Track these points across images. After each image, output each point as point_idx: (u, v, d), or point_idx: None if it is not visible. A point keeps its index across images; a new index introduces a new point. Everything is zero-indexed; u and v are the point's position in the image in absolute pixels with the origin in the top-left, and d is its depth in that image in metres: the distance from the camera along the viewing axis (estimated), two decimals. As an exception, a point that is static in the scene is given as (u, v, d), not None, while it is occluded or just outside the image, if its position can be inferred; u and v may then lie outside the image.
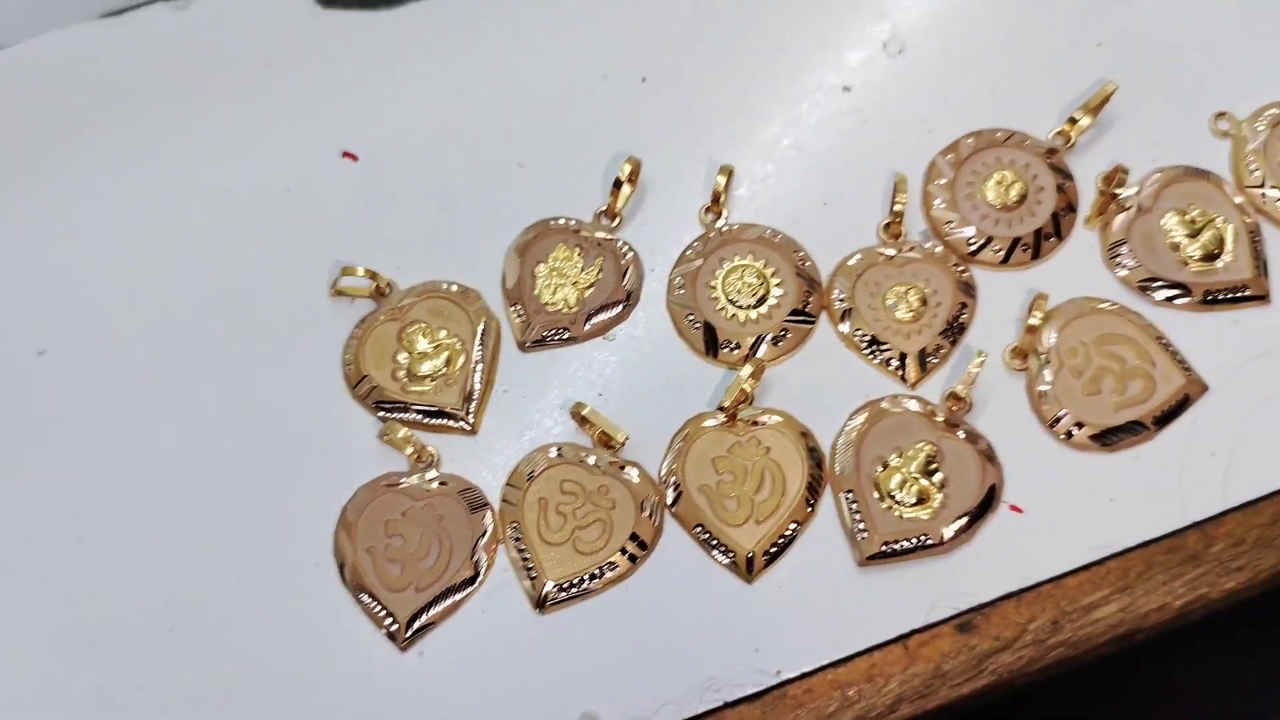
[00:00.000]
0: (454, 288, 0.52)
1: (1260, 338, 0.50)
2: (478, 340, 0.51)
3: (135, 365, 0.52)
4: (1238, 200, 0.51)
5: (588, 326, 0.51)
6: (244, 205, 0.54)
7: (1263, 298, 0.50)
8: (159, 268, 0.53)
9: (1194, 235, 0.51)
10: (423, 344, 0.51)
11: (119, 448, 0.50)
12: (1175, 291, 0.50)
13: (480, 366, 0.51)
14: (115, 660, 0.47)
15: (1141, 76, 0.54)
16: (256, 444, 0.50)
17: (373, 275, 0.52)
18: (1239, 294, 0.50)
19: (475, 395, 0.51)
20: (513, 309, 0.52)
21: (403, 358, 0.51)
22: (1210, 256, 0.51)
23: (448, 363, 0.51)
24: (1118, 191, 0.51)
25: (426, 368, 0.51)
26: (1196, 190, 0.52)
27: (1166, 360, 0.49)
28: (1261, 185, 0.52)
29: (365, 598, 0.48)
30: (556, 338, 0.51)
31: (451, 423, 0.50)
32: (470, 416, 0.50)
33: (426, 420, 0.50)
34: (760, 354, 0.50)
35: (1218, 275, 0.50)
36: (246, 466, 0.50)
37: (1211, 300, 0.50)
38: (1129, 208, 0.51)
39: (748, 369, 0.49)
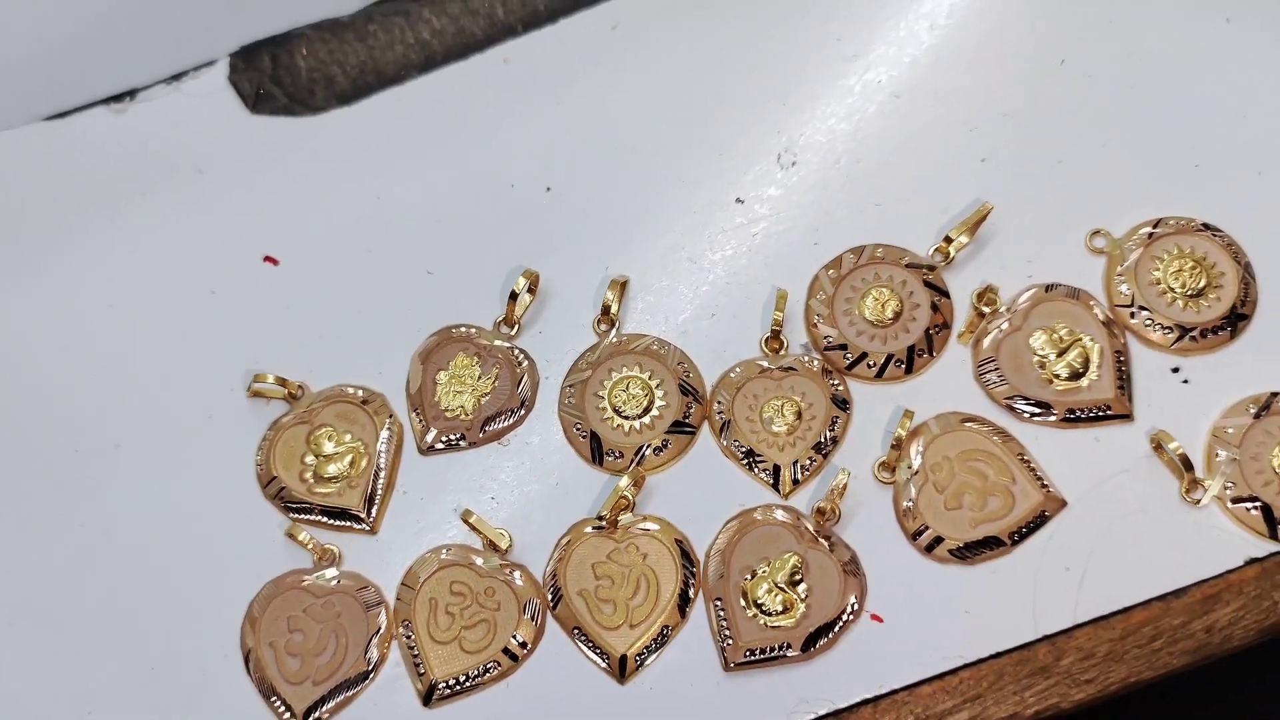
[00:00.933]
0: (359, 393, 0.55)
1: (1120, 455, 0.52)
2: (380, 444, 0.55)
3: (63, 458, 0.55)
4: (1105, 319, 0.53)
5: (483, 433, 0.55)
6: (172, 306, 0.57)
7: (1125, 416, 0.52)
8: (87, 362, 0.57)
9: (1061, 354, 0.53)
10: (329, 447, 0.55)
11: (43, 536, 0.54)
12: (1039, 409, 0.52)
13: (382, 471, 0.54)
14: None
15: (1022, 192, 0.56)
16: (174, 535, 0.54)
17: (283, 381, 0.55)
18: (1101, 413, 0.52)
19: (376, 497, 0.54)
20: (414, 414, 0.55)
21: (310, 460, 0.54)
22: (1075, 375, 0.53)
23: (351, 465, 0.54)
24: (986, 310, 0.53)
25: (332, 469, 0.54)
26: (1065, 309, 0.54)
27: (1026, 477, 0.51)
28: (1131, 304, 0.54)
29: (267, 691, 0.51)
30: (455, 443, 0.55)
31: (354, 524, 0.54)
32: (370, 519, 0.54)
33: (330, 521, 0.54)
34: (642, 462, 0.53)
35: (1081, 394, 0.52)
36: (164, 557, 0.54)
37: (1074, 418, 0.52)
38: (1000, 326, 0.54)
39: (626, 479, 0.52)
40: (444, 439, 0.54)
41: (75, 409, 0.56)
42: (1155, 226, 0.55)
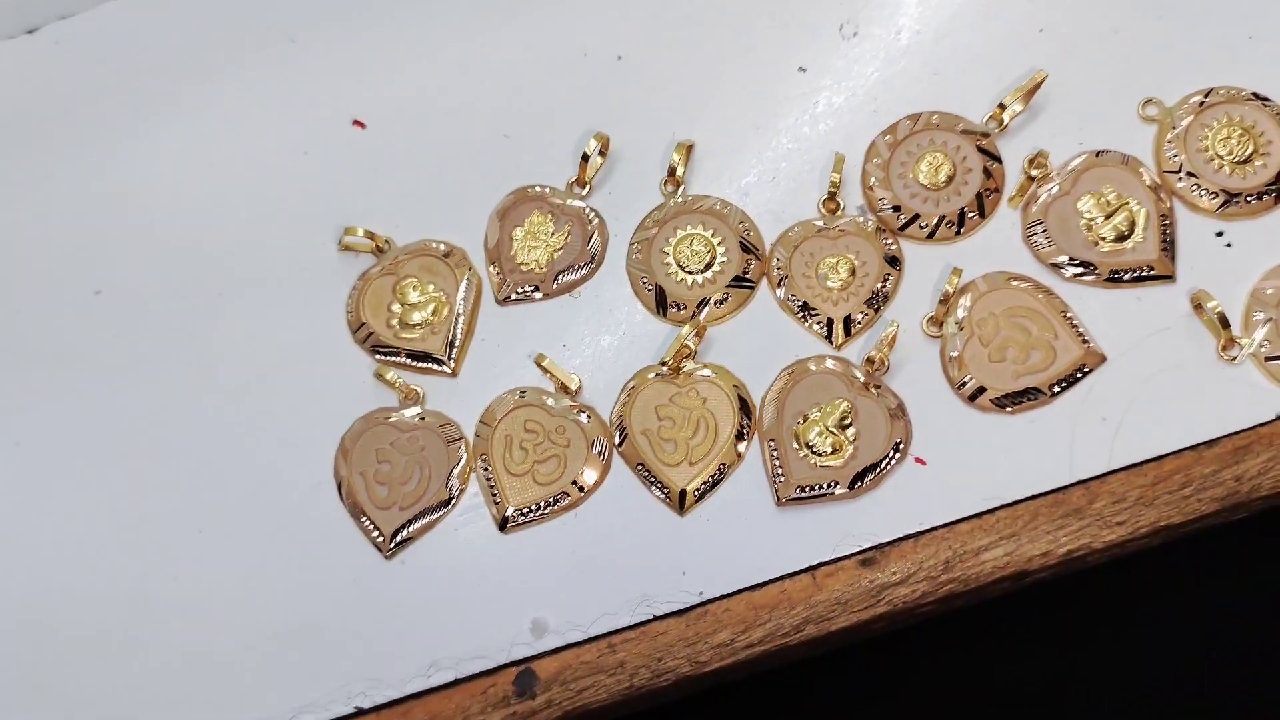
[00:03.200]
0: (442, 247, 0.60)
1: (1161, 314, 0.54)
2: (460, 294, 0.59)
3: (176, 306, 0.60)
4: (1152, 184, 0.55)
5: (556, 285, 0.58)
6: (268, 166, 0.62)
7: (1168, 277, 0.55)
8: (192, 217, 0.61)
9: (1108, 217, 0.55)
10: (414, 296, 0.59)
11: (162, 379, 0.59)
12: (1083, 269, 0.55)
13: (462, 318, 0.58)
14: (156, 554, 0.57)
15: (1078, 61, 0.58)
16: (274, 375, 0.59)
17: (371, 235, 0.59)
18: (1144, 273, 0.55)
19: (456, 343, 0.58)
20: (492, 267, 0.59)
21: (396, 308, 0.59)
22: (1121, 237, 0.55)
23: (434, 313, 0.59)
24: (1036, 174, 0.56)
25: (416, 317, 0.59)
26: (1114, 175, 0.56)
27: (1068, 333, 0.54)
28: (1179, 171, 0.55)
29: (358, 513, 0.56)
30: (529, 294, 0.59)
31: (436, 366, 0.58)
32: (451, 362, 0.58)
33: (414, 364, 0.58)
34: (703, 315, 0.57)
35: (1125, 255, 0.55)
36: (265, 395, 0.59)
37: (1117, 278, 0.55)
38: (1049, 189, 0.56)
39: (689, 328, 0.55)
40: (519, 290, 0.58)
41: (181, 261, 0.61)
42: (1206, 95, 0.56)
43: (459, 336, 0.58)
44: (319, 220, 0.61)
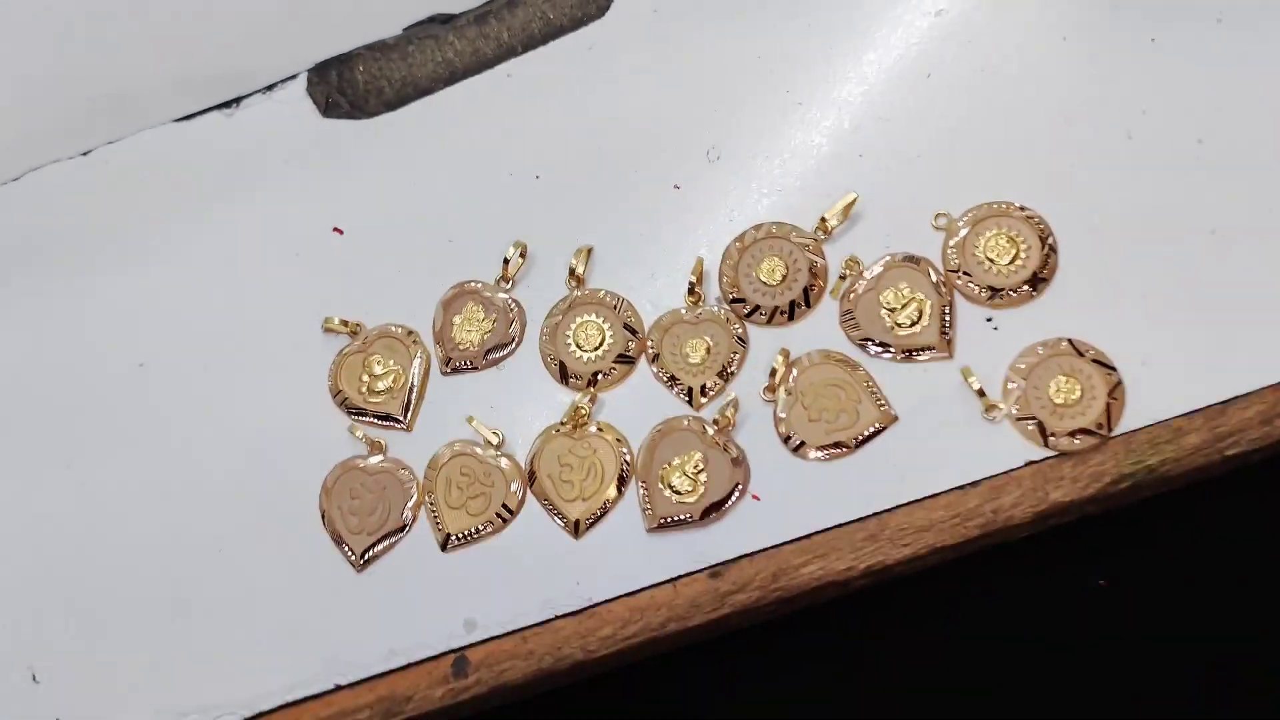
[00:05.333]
0: (401, 329, 0.77)
1: (939, 384, 0.70)
2: (414, 368, 0.76)
3: (203, 378, 0.78)
4: (937, 281, 0.71)
5: (486, 360, 0.76)
6: (268, 265, 0.80)
7: (946, 355, 0.70)
8: (216, 310, 0.79)
9: (903, 307, 0.71)
10: (379, 369, 0.76)
11: (191, 437, 0.77)
12: (883, 348, 0.71)
13: (415, 387, 0.76)
14: (184, 565, 0.75)
15: (889, 180, 0.74)
16: (272, 433, 0.76)
17: (345, 322, 0.77)
18: (929, 352, 0.70)
19: (411, 406, 0.76)
20: (437, 346, 0.76)
21: (365, 379, 0.76)
22: (912, 323, 0.71)
23: (394, 382, 0.76)
24: (849, 274, 0.72)
25: (381, 386, 0.76)
26: (908, 274, 0.71)
27: (869, 398, 0.70)
28: (958, 269, 0.71)
29: (336, 538, 0.74)
30: (466, 368, 0.76)
31: (395, 424, 0.76)
32: (407, 420, 0.75)
33: (379, 422, 0.76)
34: (596, 384, 0.74)
35: (915, 337, 0.71)
36: (264, 448, 0.76)
37: (908, 355, 0.71)
38: (859, 286, 0.72)
39: (583, 395, 0.72)
40: (457, 364, 0.76)
41: (205, 340, 0.79)
42: (981, 208, 0.72)
43: (413, 401, 0.76)
44: (307, 308, 0.79)
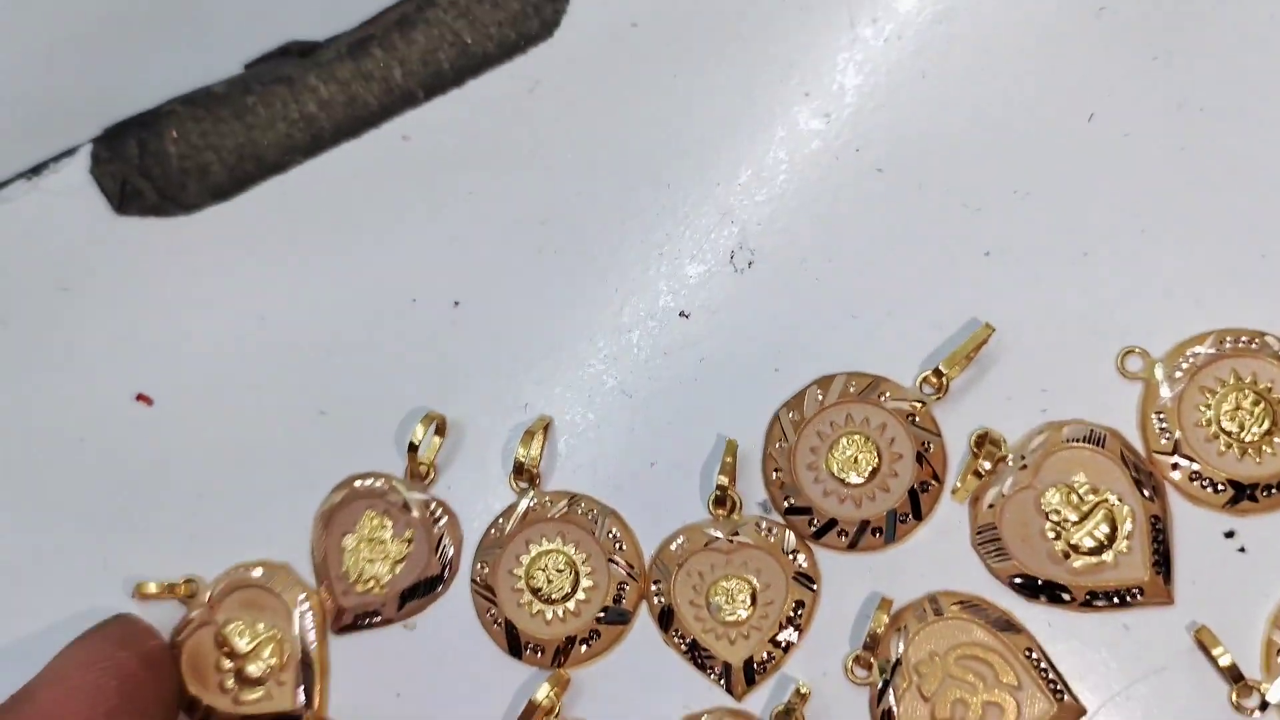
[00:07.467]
0: (259, 571, 0.47)
1: (1155, 651, 0.41)
2: (297, 624, 0.47)
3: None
4: (1138, 472, 0.42)
5: (401, 609, 0.46)
6: (32, 464, 0.50)
7: (1163, 600, 0.41)
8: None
9: (1081, 519, 0.42)
10: (242, 644, 0.47)
11: None
12: (1051, 591, 0.42)
13: (313, 647, 0.46)
14: None
15: (1038, 296, 0.45)
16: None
17: (169, 587, 0.47)
18: (1132, 596, 0.41)
19: (314, 685, 0.46)
20: (322, 588, 0.47)
21: (227, 664, 0.47)
22: (1099, 547, 0.42)
23: (273, 654, 0.47)
24: (982, 461, 0.42)
25: (255, 669, 0.47)
26: (1087, 459, 0.42)
27: (1035, 679, 0.41)
28: (1173, 451, 0.42)
29: None
30: (369, 623, 0.46)
31: (300, 721, 0.46)
32: (313, 712, 0.46)
33: (275, 730, 0.46)
34: (568, 658, 0.44)
35: (1106, 571, 0.42)
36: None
37: (1096, 603, 0.42)
38: (1005, 482, 0.43)
39: (545, 686, 0.43)
40: (357, 618, 0.46)
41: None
42: (1209, 344, 0.43)
43: (314, 679, 0.46)
44: (100, 549, 0.48)
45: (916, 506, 0.43)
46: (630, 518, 0.46)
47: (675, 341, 0.47)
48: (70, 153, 0.53)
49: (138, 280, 0.51)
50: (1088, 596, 0.42)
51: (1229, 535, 0.42)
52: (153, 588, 0.47)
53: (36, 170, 0.54)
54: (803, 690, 0.42)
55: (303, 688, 0.46)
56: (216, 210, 0.52)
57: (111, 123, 0.54)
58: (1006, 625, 0.42)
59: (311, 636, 0.47)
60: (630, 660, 0.45)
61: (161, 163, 0.53)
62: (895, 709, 0.42)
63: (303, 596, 0.47)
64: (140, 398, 0.50)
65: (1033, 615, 0.42)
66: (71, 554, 0.49)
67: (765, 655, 0.43)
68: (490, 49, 0.51)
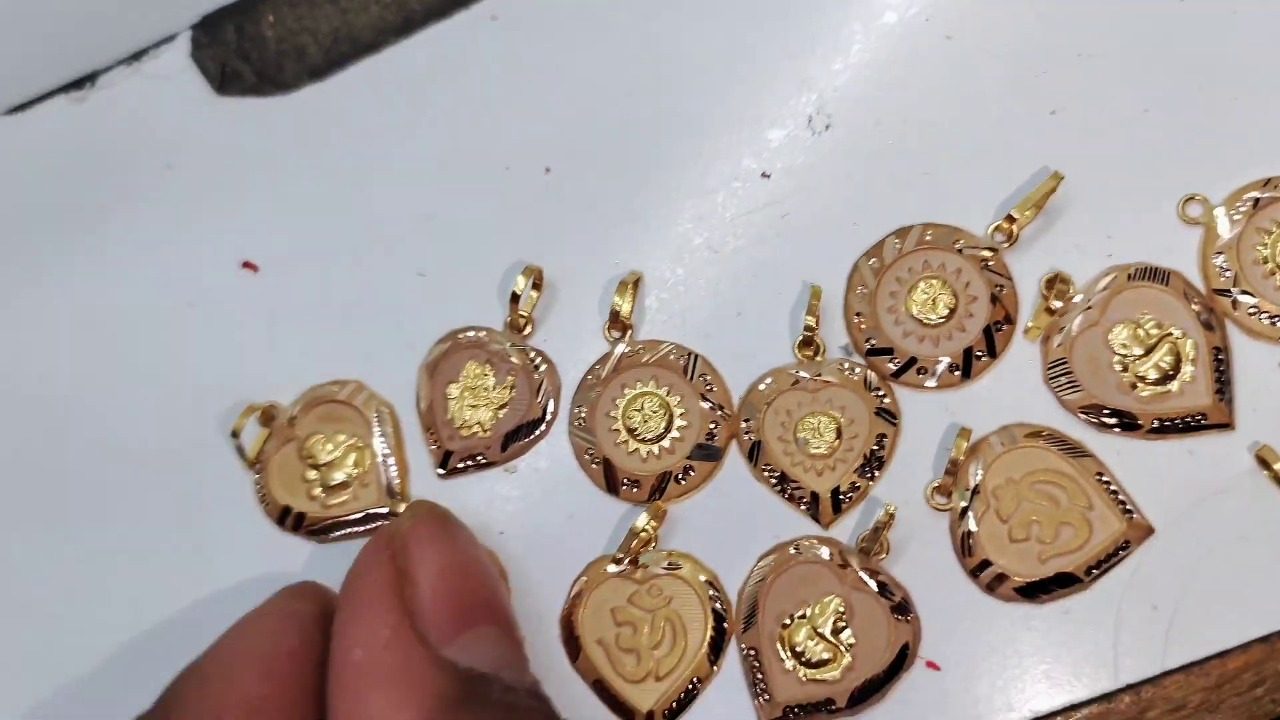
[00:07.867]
0: (333, 387, 0.50)
1: (1218, 472, 0.44)
2: (376, 432, 0.50)
3: (51, 512, 0.52)
4: (1200, 308, 0.45)
5: (504, 451, 0.49)
6: (146, 324, 0.52)
7: (1225, 425, 0.44)
8: (58, 391, 0.52)
9: (1147, 352, 0.45)
10: (324, 454, 0.50)
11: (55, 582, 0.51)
12: (1120, 420, 0.45)
13: (389, 457, 0.49)
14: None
15: (1103, 151, 0.47)
16: (202, 596, 0.50)
17: (256, 409, 0.50)
18: (1196, 422, 0.44)
19: (395, 486, 0.49)
20: (427, 434, 0.50)
21: (312, 474, 0.50)
22: (1165, 377, 0.45)
23: (356, 464, 0.50)
24: (1057, 303, 0.45)
25: (339, 475, 0.50)
26: (1152, 297, 0.45)
27: (1105, 501, 0.44)
28: (1232, 288, 0.45)
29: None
30: (474, 464, 0.49)
31: (386, 518, 0.49)
32: (400, 506, 0.49)
33: (361, 529, 0.49)
34: (664, 492, 0.47)
35: (1171, 400, 0.45)
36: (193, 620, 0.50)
37: (1163, 429, 0.45)
38: (1074, 320, 0.46)
39: (645, 515, 0.46)
40: (463, 461, 0.49)
41: (51, 448, 0.52)
42: (1264, 189, 0.46)
43: (394, 479, 0.49)
44: (210, 390, 0.51)
45: (991, 344, 0.46)
46: (719, 365, 0.49)
47: (758, 201, 0.50)
48: (170, 39, 0.56)
49: (240, 157, 0.54)
50: (1155, 424, 0.45)
51: (1286, 365, 0.45)
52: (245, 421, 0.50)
53: (137, 56, 0.57)
54: (891, 510, 0.44)
55: (387, 485, 0.49)
56: (313, 89, 0.54)
57: (206, 11, 0.57)
58: (1078, 452, 0.45)
59: (392, 442, 0.50)
60: (722, 494, 0.48)
61: (259, 46, 0.55)
62: (975, 530, 0.45)
63: (377, 406, 0.50)
64: (246, 265, 0.53)
65: (1103, 444, 0.46)
66: (179, 410, 0.52)
67: (851, 485, 0.46)
68: (577, -70, 0.54)
